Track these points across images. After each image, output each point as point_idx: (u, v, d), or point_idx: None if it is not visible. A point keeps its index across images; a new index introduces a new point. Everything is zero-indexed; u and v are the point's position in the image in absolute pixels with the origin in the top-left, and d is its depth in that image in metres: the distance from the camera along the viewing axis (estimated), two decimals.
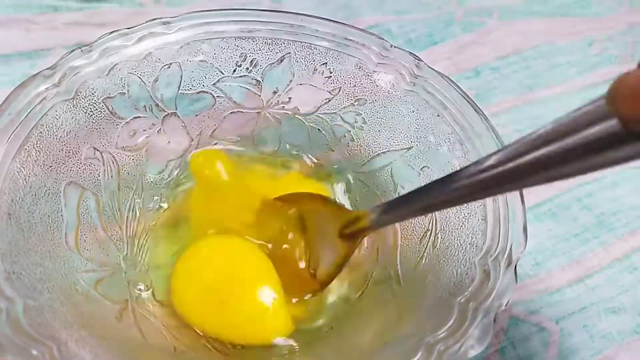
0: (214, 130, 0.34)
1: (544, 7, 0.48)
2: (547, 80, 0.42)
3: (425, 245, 0.27)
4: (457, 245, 0.25)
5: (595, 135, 0.16)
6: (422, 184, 0.29)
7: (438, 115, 0.29)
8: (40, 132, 0.26)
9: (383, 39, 0.31)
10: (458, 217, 0.26)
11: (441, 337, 0.21)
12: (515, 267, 0.22)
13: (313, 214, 0.30)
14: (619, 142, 0.15)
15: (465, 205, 0.26)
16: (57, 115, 0.27)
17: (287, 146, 0.34)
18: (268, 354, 0.26)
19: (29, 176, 0.25)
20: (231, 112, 0.33)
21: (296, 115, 0.34)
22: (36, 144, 0.26)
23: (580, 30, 0.46)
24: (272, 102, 0.33)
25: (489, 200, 0.25)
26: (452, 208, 0.27)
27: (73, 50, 0.28)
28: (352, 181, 0.33)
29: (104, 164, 0.29)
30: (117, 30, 0.30)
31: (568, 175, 0.17)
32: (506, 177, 0.19)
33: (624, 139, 0.15)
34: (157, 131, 0.32)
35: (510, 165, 0.19)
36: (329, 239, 0.28)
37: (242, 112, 0.34)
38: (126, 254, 0.28)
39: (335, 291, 0.29)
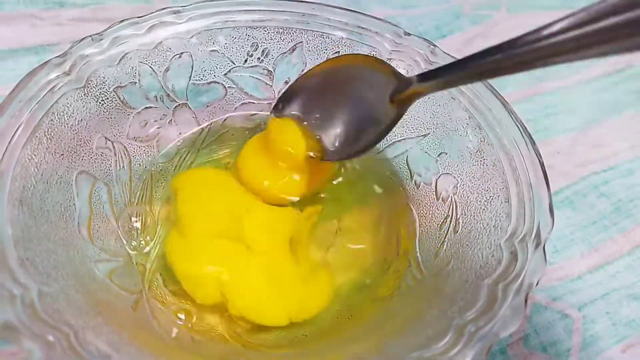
0: (225, 120, 0.33)
1: (550, 1, 0.48)
2: (557, 70, 0.42)
3: (446, 231, 0.27)
4: (481, 228, 0.25)
5: None
6: (439, 170, 0.29)
7: (454, 100, 0.29)
8: (51, 119, 0.26)
9: (397, 26, 0.31)
10: (480, 200, 0.26)
11: (471, 318, 0.20)
12: (544, 248, 0.22)
13: (355, 75, 0.27)
14: None
15: (487, 188, 0.26)
16: (68, 103, 0.26)
17: None
18: (286, 340, 0.26)
19: (40, 164, 0.24)
20: (242, 103, 0.33)
21: None
22: (47, 131, 0.25)
23: None
24: None
25: (511, 182, 0.25)
26: (473, 191, 0.26)
27: (83, 39, 0.28)
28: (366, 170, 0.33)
29: (115, 154, 0.29)
30: (127, 19, 0.29)
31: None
32: (572, 43, 0.17)
33: None
34: (168, 122, 0.31)
35: (578, 32, 0.17)
36: (374, 103, 0.27)
37: (253, 103, 0.33)
38: (138, 244, 0.28)
39: (350, 278, 0.28)
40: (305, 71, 0.31)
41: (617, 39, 0.16)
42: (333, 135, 0.29)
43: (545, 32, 0.18)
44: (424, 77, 0.24)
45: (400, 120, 0.31)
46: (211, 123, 0.33)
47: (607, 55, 0.17)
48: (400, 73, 0.27)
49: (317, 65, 0.29)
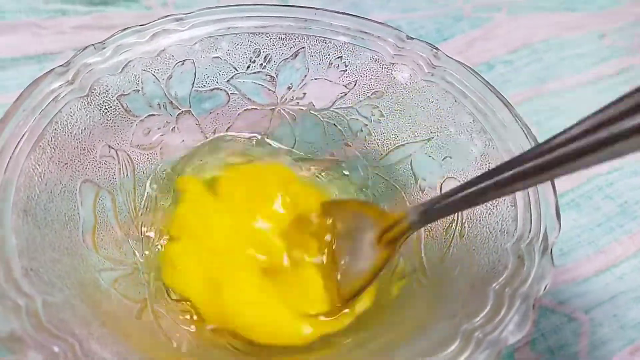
0: (228, 128, 0.33)
1: (549, 3, 0.48)
2: (559, 72, 0.42)
3: (451, 236, 0.27)
4: (487, 233, 0.25)
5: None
6: (444, 174, 0.29)
7: (458, 104, 0.29)
8: (55, 129, 0.26)
9: (399, 30, 0.31)
10: (485, 205, 0.26)
11: (479, 324, 0.20)
12: (551, 252, 0.22)
13: (347, 220, 0.28)
14: None
15: None
16: (71, 112, 0.26)
17: (303, 144, 0.34)
18: (292, 348, 0.26)
19: (44, 173, 0.24)
20: (245, 109, 0.33)
21: (311, 111, 0.33)
22: (51, 140, 0.25)
23: (587, 23, 0.46)
24: (286, 98, 0.33)
25: None
26: None
27: (86, 48, 0.28)
28: (369, 176, 0.33)
29: (119, 162, 0.29)
30: (130, 27, 0.29)
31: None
32: (548, 165, 0.18)
33: None
34: (172, 129, 0.31)
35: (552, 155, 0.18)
36: (365, 246, 0.27)
37: (256, 109, 0.33)
38: (143, 253, 0.28)
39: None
40: None
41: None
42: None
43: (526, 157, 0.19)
44: (411, 213, 0.25)
45: (404, 125, 0.31)
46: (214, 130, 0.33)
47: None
48: (389, 213, 0.27)
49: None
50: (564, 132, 0.18)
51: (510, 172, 0.19)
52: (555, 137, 0.18)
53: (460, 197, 0.22)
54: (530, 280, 0.21)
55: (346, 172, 0.33)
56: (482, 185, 0.20)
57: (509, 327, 0.20)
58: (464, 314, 0.21)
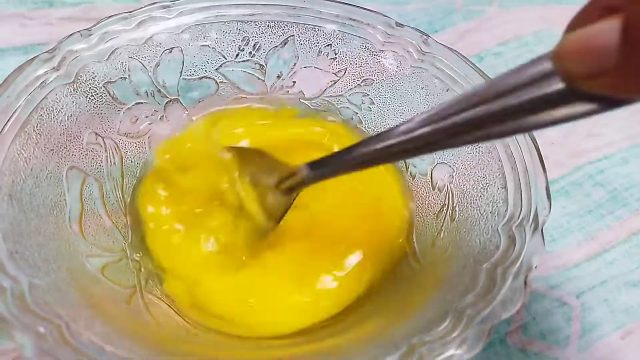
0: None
1: None
2: None
3: (442, 220, 0.26)
4: (478, 215, 0.25)
5: (537, 94, 0.15)
6: (434, 160, 0.29)
7: (448, 90, 0.29)
8: (41, 115, 0.25)
9: (388, 17, 0.31)
10: (476, 188, 0.26)
11: (470, 302, 0.20)
12: (542, 231, 0.22)
13: (253, 168, 0.29)
14: (562, 101, 0.15)
15: (483, 175, 0.25)
16: (57, 98, 0.26)
17: None
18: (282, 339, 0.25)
19: (29, 158, 0.24)
20: (234, 98, 0.33)
21: (301, 100, 0.33)
22: (36, 126, 0.25)
23: None
24: (276, 87, 0.33)
25: (507, 169, 0.25)
26: (469, 179, 0.26)
27: (72, 34, 0.28)
28: None
29: (106, 150, 0.28)
30: (116, 15, 0.29)
31: (503, 134, 0.17)
32: (437, 135, 0.18)
33: (567, 98, 0.15)
34: (160, 118, 0.31)
35: (443, 124, 0.18)
36: (269, 192, 0.27)
37: (245, 97, 0.33)
38: (131, 241, 0.27)
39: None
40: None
41: (486, 126, 0.17)
42: None
43: (417, 121, 0.19)
44: (311, 167, 0.25)
45: (395, 111, 0.31)
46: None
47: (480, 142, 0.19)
48: (286, 164, 0.27)
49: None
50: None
51: (399, 139, 0.20)
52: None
53: (352, 157, 0.22)
54: (522, 258, 0.21)
55: None
56: (371, 146, 0.21)
57: (501, 304, 0.19)
58: (456, 292, 0.21)
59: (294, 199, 0.27)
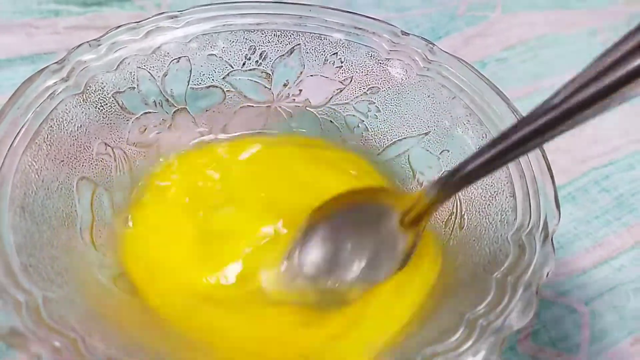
0: (225, 125, 0.33)
1: (543, 0, 0.48)
2: (556, 68, 0.42)
3: (451, 228, 0.27)
4: (487, 224, 0.25)
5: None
6: (442, 168, 0.29)
7: (454, 98, 0.29)
8: (51, 126, 0.25)
9: (394, 26, 0.31)
10: (484, 196, 0.26)
11: (481, 312, 0.20)
12: (552, 240, 0.22)
13: (361, 212, 0.26)
14: None
15: (491, 183, 0.26)
16: (67, 109, 0.26)
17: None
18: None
19: (40, 170, 0.24)
20: (241, 107, 0.33)
21: (307, 108, 0.33)
22: (47, 137, 0.25)
23: (582, 21, 0.46)
24: (282, 95, 0.33)
25: (515, 177, 0.25)
26: (477, 187, 0.26)
27: (81, 45, 0.28)
28: None
29: (115, 160, 0.28)
30: (124, 25, 0.29)
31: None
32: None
33: None
34: (168, 127, 0.31)
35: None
36: (387, 234, 0.25)
37: (252, 106, 0.33)
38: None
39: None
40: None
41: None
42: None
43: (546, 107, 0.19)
44: (431, 188, 0.23)
45: (401, 120, 0.31)
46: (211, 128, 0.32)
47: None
48: (405, 194, 0.25)
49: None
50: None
51: (518, 135, 0.19)
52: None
53: (478, 165, 0.21)
54: (532, 267, 0.21)
55: None
56: (495, 150, 0.20)
57: (513, 314, 0.20)
58: (468, 303, 0.21)
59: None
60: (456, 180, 0.22)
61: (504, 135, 0.20)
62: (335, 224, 0.27)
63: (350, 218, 0.26)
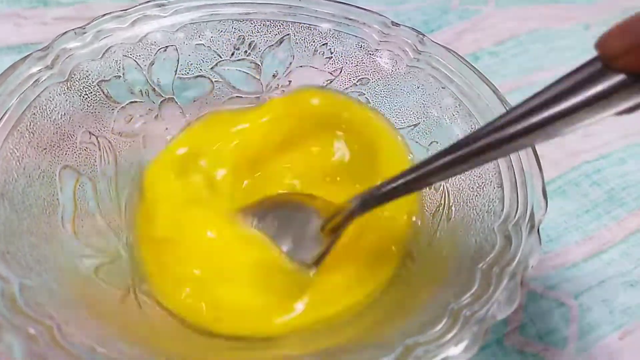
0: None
1: None
2: (547, 62, 0.42)
3: (439, 220, 0.26)
4: (474, 215, 0.24)
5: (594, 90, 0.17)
6: None
7: (444, 89, 0.28)
8: (34, 113, 0.25)
9: (384, 17, 0.31)
10: (472, 187, 0.25)
11: (466, 302, 0.20)
12: (539, 230, 0.21)
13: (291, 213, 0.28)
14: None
15: (479, 174, 0.25)
16: (50, 97, 0.26)
17: None
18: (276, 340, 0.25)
19: (22, 157, 0.24)
20: (230, 98, 0.32)
21: None
22: (29, 125, 0.25)
23: (575, 15, 0.46)
24: (271, 86, 0.32)
25: (503, 168, 0.24)
26: (465, 178, 0.26)
27: (66, 32, 0.27)
28: None
29: (100, 149, 0.28)
30: (110, 13, 0.29)
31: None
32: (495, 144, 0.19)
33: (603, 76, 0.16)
34: (154, 117, 0.31)
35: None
36: (309, 235, 0.27)
37: (241, 97, 0.33)
38: (126, 242, 0.27)
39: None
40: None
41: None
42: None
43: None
44: (352, 202, 0.25)
45: (391, 111, 0.31)
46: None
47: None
48: (332, 203, 0.27)
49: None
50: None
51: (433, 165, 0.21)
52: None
53: (400, 184, 0.22)
54: (518, 258, 0.21)
55: None
56: (421, 171, 0.21)
57: (497, 304, 0.19)
58: (452, 293, 0.21)
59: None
60: (374, 197, 0.24)
61: (422, 164, 0.21)
62: (277, 213, 0.29)
63: (287, 211, 0.29)
